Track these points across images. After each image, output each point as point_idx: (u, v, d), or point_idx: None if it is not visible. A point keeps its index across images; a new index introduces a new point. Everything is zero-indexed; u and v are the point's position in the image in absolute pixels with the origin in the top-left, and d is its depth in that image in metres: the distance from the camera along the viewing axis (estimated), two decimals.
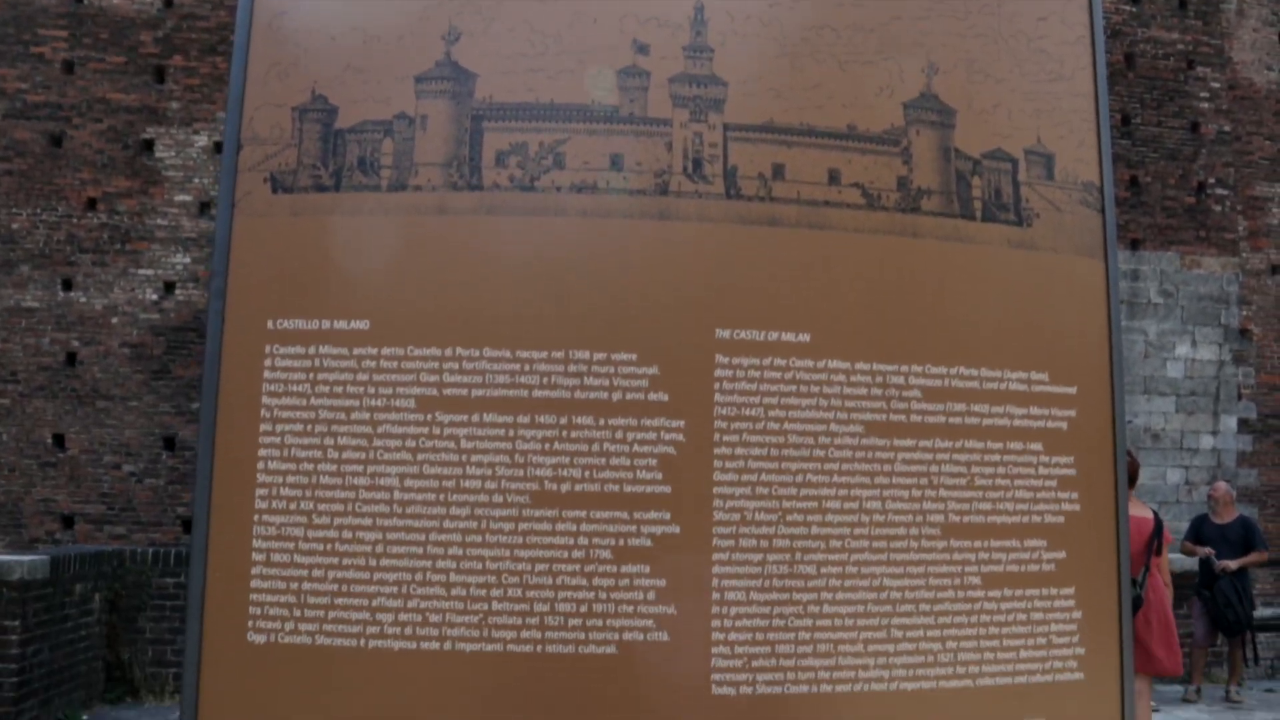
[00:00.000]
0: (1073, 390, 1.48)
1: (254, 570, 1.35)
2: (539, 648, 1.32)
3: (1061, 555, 1.44)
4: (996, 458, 1.42)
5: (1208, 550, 8.10)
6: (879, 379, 1.39)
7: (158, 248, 8.61)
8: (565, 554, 1.33)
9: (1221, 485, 8.45)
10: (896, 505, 1.38)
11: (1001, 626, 1.41)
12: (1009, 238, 1.47)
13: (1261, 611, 8.79)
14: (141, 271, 9.04)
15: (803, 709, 1.33)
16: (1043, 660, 1.42)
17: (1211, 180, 10.67)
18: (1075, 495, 1.46)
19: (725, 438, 1.35)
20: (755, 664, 1.33)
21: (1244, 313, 10.61)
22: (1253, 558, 8.11)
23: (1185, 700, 8.50)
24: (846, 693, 1.34)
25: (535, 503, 1.33)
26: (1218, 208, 10.80)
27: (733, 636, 1.33)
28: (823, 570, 1.35)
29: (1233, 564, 8.00)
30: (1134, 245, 9.85)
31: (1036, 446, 1.45)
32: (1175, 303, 10.55)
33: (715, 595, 1.33)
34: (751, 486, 1.35)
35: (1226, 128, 10.71)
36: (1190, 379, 10.39)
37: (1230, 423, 10.40)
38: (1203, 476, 10.02)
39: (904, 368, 1.40)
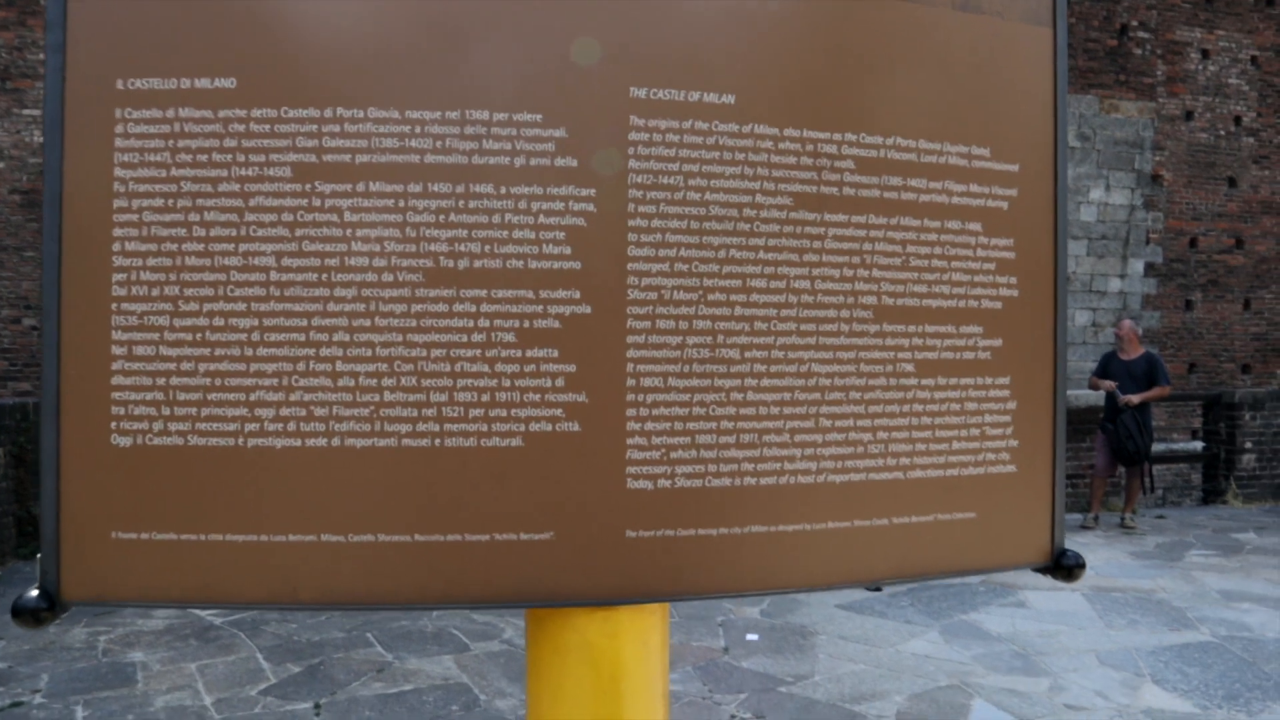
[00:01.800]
0: (1014, 168, 1.37)
1: (114, 365, 1.20)
2: (437, 441, 1.20)
3: (998, 343, 1.36)
4: (933, 237, 1.32)
5: (1111, 384, 8.37)
6: (809, 147, 1.26)
7: (42, 85, 8.04)
8: (464, 338, 1.19)
9: (1126, 323, 8.69)
10: (827, 285, 1.27)
11: (934, 417, 1.32)
12: (953, 0, 1.33)
13: (1157, 445, 9.15)
14: (26, 112, 8.48)
15: (725, 503, 1.24)
16: (975, 452, 1.35)
17: (1134, 23, 10.58)
18: (1014, 280, 1.37)
19: (641, 208, 1.21)
20: (674, 455, 1.23)
21: (1157, 158, 10.72)
22: (1155, 392, 8.41)
23: (1084, 527, 8.89)
24: (771, 485, 1.25)
25: (430, 281, 1.19)
26: (1138, 51, 10.74)
27: (649, 426, 1.22)
28: (747, 355, 1.24)
29: (1135, 398, 8.29)
30: None
31: (975, 226, 1.34)
32: (1092, 147, 10.59)
33: (630, 382, 1.22)
34: (669, 262, 1.22)
35: None
36: (1102, 223, 10.53)
37: (1138, 266, 10.62)
38: (1109, 319, 10.26)
39: (837, 135, 1.27)
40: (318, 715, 4.60)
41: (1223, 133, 11.06)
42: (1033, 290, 1.38)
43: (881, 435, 1.29)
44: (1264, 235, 11.36)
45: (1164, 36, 10.67)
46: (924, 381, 1.31)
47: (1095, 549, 8.18)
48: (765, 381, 1.25)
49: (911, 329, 1.30)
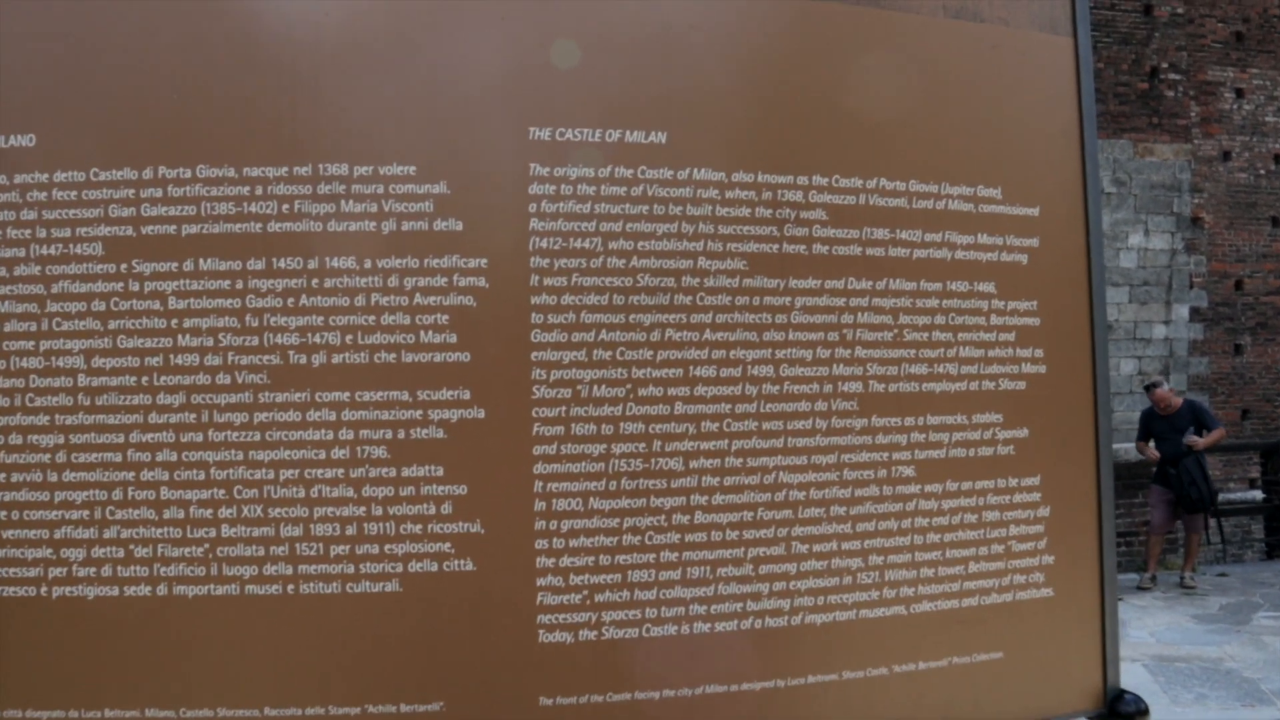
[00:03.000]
0: (1034, 212, 1.09)
1: None
2: (290, 587, 0.92)
3: (1022, 433, 1.07)
4: (933, 303, 1.03)
5: (1155, 454, 7.98)
6: (767, 195, 0.98)
7: None
8: (321, 454, 0.93)
9: (1157, 392, 8.29)
10: (796, 370, 0.99)
11: (944, 532, 1.03)
12: (945, 4, 1.06)
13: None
14: None
15: (670, 656, 0.95)
16: (999, 575, 1.05)
17: (1164, 65, 10.32)
18: (1039, 352, 1.08)
19: (547, 281, 0.95)
20: (600, 598, 0.94)
21: (1196, 200, 10.37)
22: (1216, 434, 7.99)
23: (1140, 588, 8.42)
24: (730, 632, 0.97)
25: (276, 383, 0.93)
26: (1170, 93, 10.47)
27: (566, 562, 0.94)
28: (692, 465, 0.96)
29: (1201, 441, 7.87)
30: None
31: (987, 287, 1.06)
32: (1128, 191, 10.29)
33: (539, 505, 0.94)
34: (587, 349, 0.95)
35: (1180, 9, 10.34)
36: (1143, 269, 10.17)
37: (1182, 311, 10.21)
38: (1155, 366, 9.85)
39: (802, 179, 0.99)
40: None
41: (1262, 171, 10.70)
42: (1064, 363, 1.09)
43: (875, 560, 1.00)
44: None
45: (1196, 77, 10.39)
46: (928, 488, 1.02)
47: (1155, 612, 7.71)
48: (718, 498, 0.96)
49: (909, 421, 1.02)
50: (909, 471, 1.01)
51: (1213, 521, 8.35)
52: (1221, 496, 9.53)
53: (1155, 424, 8.18)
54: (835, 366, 0.99)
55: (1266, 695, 5.70)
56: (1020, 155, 1.09)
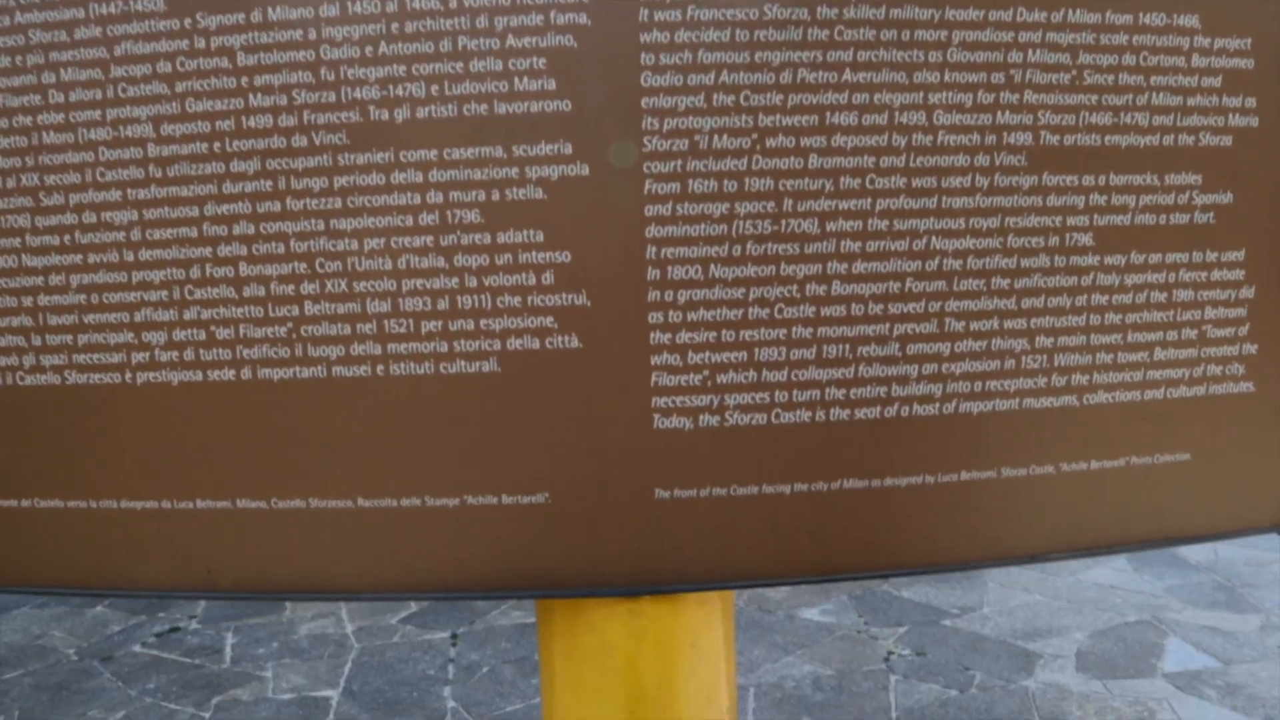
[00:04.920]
0: None
1: None
2: (379, 369, 0.84)
3: (1225, 198, 0.89)
4: (1121, 38, 0.86)
5: None
6: None
7: None
8: (408, 220, 0.83)
9: None
10: (952, 118, 0.83)
11: (1126, 312, 0.88)
12: None
13: None
14: None
15: (803, 446, 0.84)
16: (1190, 365, 0.90)
17: None
18: (1251, 101, 0.90)
19: (658, 15, 0.80)
20: (723, 380, 0.83)
21: None
22: None
23: None
24: (873, 420, 0.85)
25: (356, 142, 0.83)
26: None
27: (684, 338, 0.83)
28: (830, 227, 0.83)
29: None
30: None
31: (1189, 20, 0.88)
32: None
33: (653, 273, 0.83)
34: (705, 94, 0.81)
35: None
36: None
37: None
38: None
39: None
40: (454, 644, 4.44)
41: None
42: None
43: (1043, 342, 0.86)
44: None
45: None
46: (1109, 260, 0.87)
47: None
48: (860, 266, 0.83)
49: (1088, 181, 0.86)
50: (1086, 240, 0.86)
51: None
52: None
53: None
54: (1000, 114, 0.83)
55: None
56: None
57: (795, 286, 0.82)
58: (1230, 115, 0.89)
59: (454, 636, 4.53)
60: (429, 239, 0.82)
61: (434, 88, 0.81)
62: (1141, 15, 0.86)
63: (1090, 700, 3.72)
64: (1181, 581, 4.85)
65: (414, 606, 4.91)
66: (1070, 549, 0.88)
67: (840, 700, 3.74)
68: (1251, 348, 0.91)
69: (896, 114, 0.82)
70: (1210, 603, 4.60)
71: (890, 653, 4.17)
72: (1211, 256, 0.89)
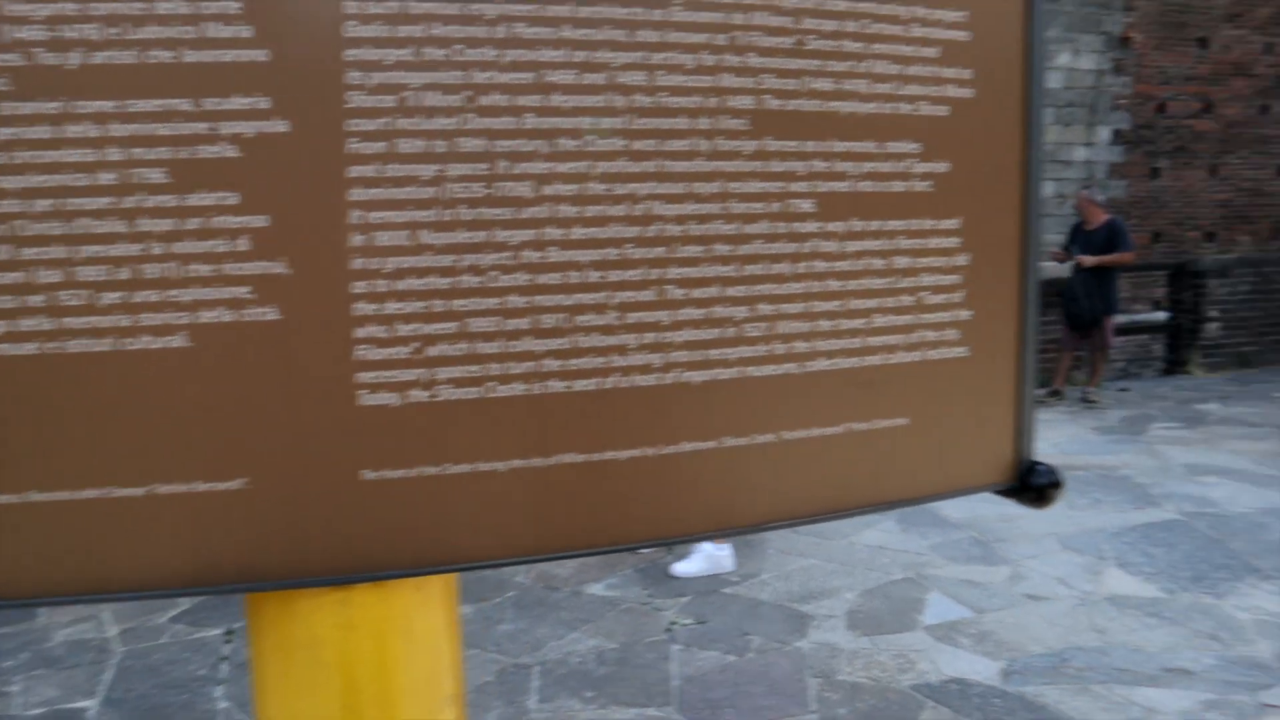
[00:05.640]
0: None
1: None
2: (50, 345, 0.74)
3: (943, 167, 0.91)
4: (843, 5, 0.85)
5: (1062, 254, 8.14)
6: None
7: None
8: (83, 179, 0.73)
9: (1082, 194, 8.41)
10: (673, 79, 0.81)
11: (846, 279, 0.88)
12: None
13: (1120, 316, 8.85)
14: None
15: (519, 420, 0.80)
16: (907, 330, 0.92)
17: None
18: (968, 73, 0.91)
19: None
20: (433, 352, 0.78)
21: (1127, 20, 10.18)
22: (1112, 257, 8.15)
23: (1041, 402, 8.63)
24: (590, 391, 0.82)
25: (20, 90, 0.72)
26: None
27: (391, 308, 0.77)
28: (546, 190, 0.79)
29: (1089, 260, 8.04)
30: None
31: None
32: (1060, 8, 10.05)
33: (356, 239, 0.76)
34: (415, 46, 0.76)
35: None
36: (1070, 89, 10.05)
37: (1105, 134, 10.17)
38: (1074, 189, 9.84)
39: None
40: (229, 641, 4.24)
41: None
42: (995, 88, 0.93)
43: (764, 310, 0.85)
44: (1234, 99, 10.89)
45: None
46: (829, 226, 0.87)
47: (1059, 425, 7.92)
48: (577, 232, 0.80)
49: (810, 146, 0.85)
50: (807, 206, 0.85)
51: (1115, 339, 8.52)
52: (1127, 317, 9.73)
53: (1077, 236, 8.28)
54: (722, 76, 0.81)
55: (1156, 499, 5.91)
56: None
57: (509, 253, 0.78)
58: (948, 86, 0.90)
59: (229, 633, 4.32)
60: (107, 200, 0.73)
61: (112, 30, 0.72)
62: None
63: (858, 656, 3.91)
64: (943, 539, 5.18)
65: (185, 603, 4.65)
66: (793, 516, 0.88)
67: (624, 673, 3.80)
68: (966, 314, 0.94)
69: (616, 73, 0.79)
70: (967, 557, 4.93)
71: (673, 623, 4.26)
72: (929, 224, 0.91)
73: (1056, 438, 7.42)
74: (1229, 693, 3.65)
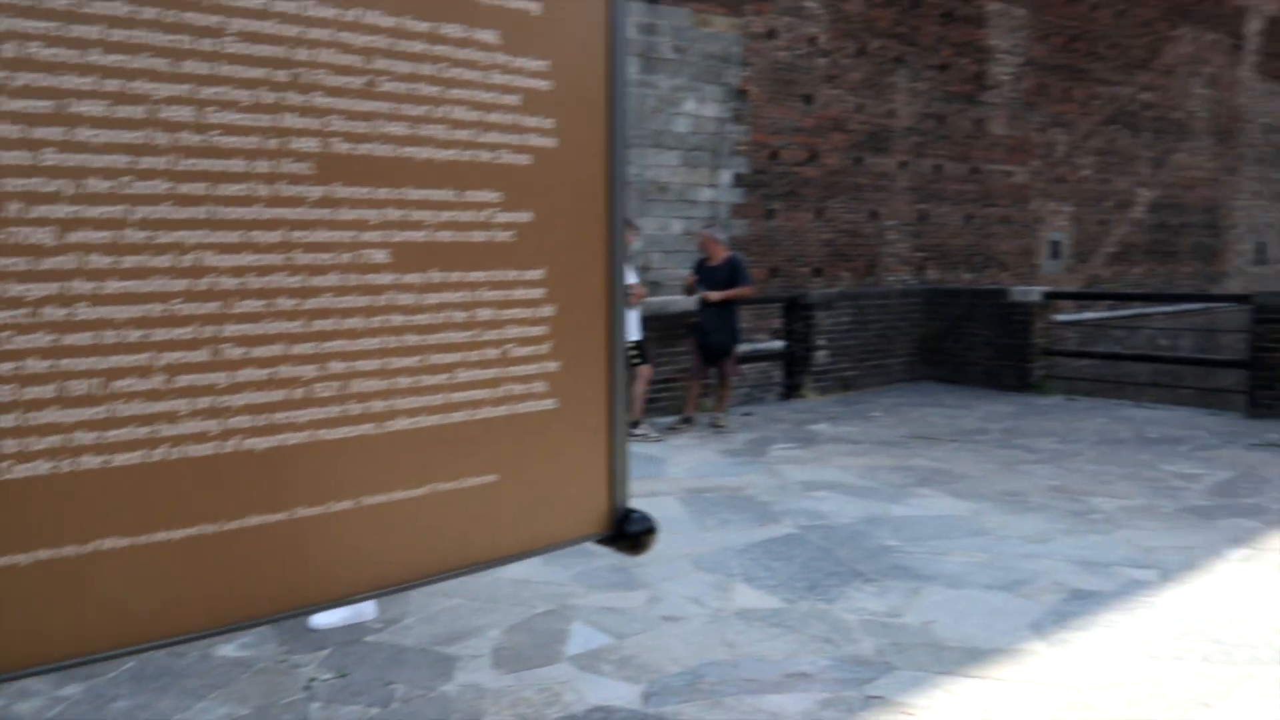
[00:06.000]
0: None
1: None
2: None
3: (525, 217, 0.90)
4: (419, 46, 0.82)
5: (692, 278, 8.70)
6: None
7: None
8: None
9: (704, 232, 8.97)
10: (227, 116, 0.74)
11: (425, 334, 0.84)
12: None
13: (744, 346, 9.53)
14: None
15: (37, 500, 0.69)
16: (493, 384, 0.89)
17: None
18: (550, 122, 0.91)
19: None
20: None
21: (744, 73, 11.03)
22: (734, 292, 8.79)
23: (671, 429, 9.12)
24: (133, 466, 0.72)
25: None
26: None
27: None
28: (72, 238, 0.69)
29: (714, 295, 8.63)
30: None
31: (488, 35, 0.86)
32: (686, 59, 10.74)
33: None
34: None
35: None
36: (695, 134, 10.73)
37: (727, 177, 10.95)
38: (700, 227, 10.50)
39: None
40: None
41: (800, 52, 11.57)
42: (579, 138, 0.93)
43: (336, 367, 0.79)
44: (833, 150, 12.11)
45: None
46: (406, 278, 0.83)
47: (689, 450, 8.35)
48: (113, 285, 0.70)
49: (383, 193, 0.81)
50: (381, 256, 0.81)
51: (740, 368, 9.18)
52: (750, 346, 10.51)
53: (702, 271, 8.84)
54: (285, 116, 0.75)
55: (776, 515, 6.37)
56: None
57: (27, 310, 0.67)
58: (530, 134, 0.89)
59: None
60: None
61: None
62: (441, 25, 0.83)
63: (504, 695, 3.87)
64: (585, 568, 5.27)
65: None
66: (378, 586, 0.83)
67: None
68: (554, 365, 0.93)
69: (158, 107, 0.70)
70: (608, 584, 5.04)
71: (312, 679, 4.01)
72: (513, 275, 0.89)
73: (688, 462, 7.82)
74: (841, 690, 3.96)
